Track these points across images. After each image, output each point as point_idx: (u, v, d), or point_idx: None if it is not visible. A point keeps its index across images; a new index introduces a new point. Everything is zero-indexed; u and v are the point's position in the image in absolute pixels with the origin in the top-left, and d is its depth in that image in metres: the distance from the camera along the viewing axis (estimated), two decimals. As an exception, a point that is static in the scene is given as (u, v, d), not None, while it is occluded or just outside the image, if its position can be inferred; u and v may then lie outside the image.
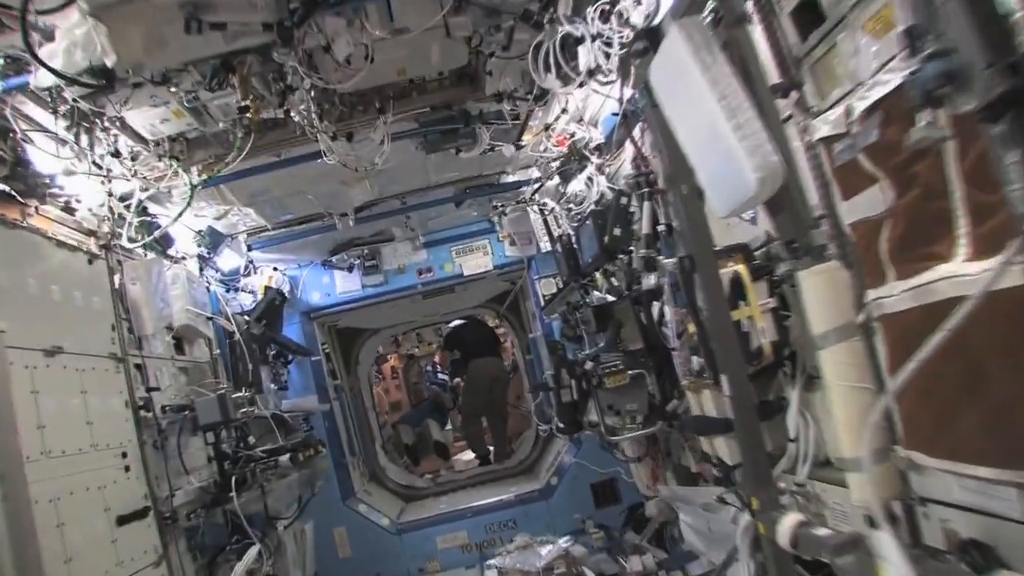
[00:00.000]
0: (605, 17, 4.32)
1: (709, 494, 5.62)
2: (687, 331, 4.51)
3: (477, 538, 9.05)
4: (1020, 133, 1.89)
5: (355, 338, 11.30)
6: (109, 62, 4.16)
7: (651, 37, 3.69)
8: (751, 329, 3.93)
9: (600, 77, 4.82)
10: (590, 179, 6.75)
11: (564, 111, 6.23)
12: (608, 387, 5.56)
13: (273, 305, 8.12)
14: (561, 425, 6.51)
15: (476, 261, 9.30)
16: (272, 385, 8.53)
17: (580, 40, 4.56)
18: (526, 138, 6.54)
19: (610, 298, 6.50)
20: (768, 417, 4.17)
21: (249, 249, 7.98)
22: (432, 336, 16.25)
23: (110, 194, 5.47)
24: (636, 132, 5.37)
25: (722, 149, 3.01)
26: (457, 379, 14.84)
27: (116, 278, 5.64)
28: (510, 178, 7.99)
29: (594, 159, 6.58)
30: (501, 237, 9.29)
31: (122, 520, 4.85)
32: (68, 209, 5.23)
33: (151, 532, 5.24)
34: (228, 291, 8.00)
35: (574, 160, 6.69)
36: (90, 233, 5.45)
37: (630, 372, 5.53)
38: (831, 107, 3.05)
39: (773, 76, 3.27)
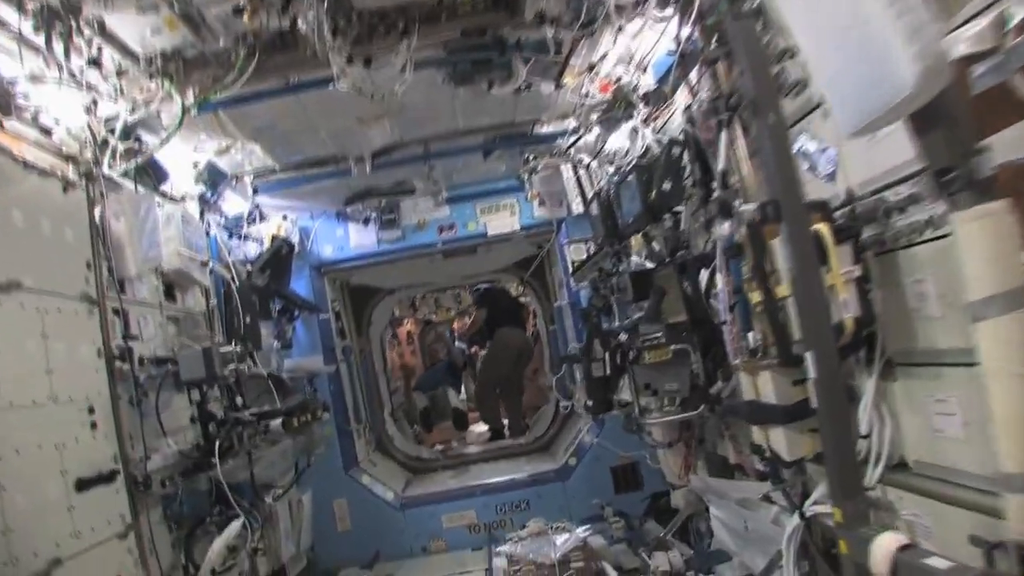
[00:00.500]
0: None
1: (751, 489, 5.04)
2: (751, 303, 3.84)
3: (486, 518, 8.49)
4: None
5: (368, 297, 10.66)
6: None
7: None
8: (831, 301, 3.26)
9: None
10: (634, 131, 6.04)
11: (613, 46, 5.48)
12: (647, 363, 4.87)
13: (280, 255, 7.48)
14: (589, 403, 5.79)
15: (502, 221, 8.66)
16: (275, 342, 7.94)
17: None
18: (567, 79, 5.80)
19: (649, 265, 5.84)
20: None
21: (255, 192, 7.28)
22: (451, 302, 15.64)
23: (87, 109, 4.79)
24: (693, 75, 4.67)
25: (865, 36, 2.29)
26: (475, 348, 14.30)
27: (96, 211, 4.95)
28: (545, 129, 7.25)
29: (641, 107, 5.86)
30: (530, 196, 8.64)
31: (83, 484, 4.20)
32: (45, 130, 4.57)
33: (119, 499, 4.58)
34: (231, 238, 7.35)
35: (619, 107, 5.97)
36: (69, 159, 4.77)
37: (673, 348, 4.82)
38: (972, 19, 2.35)
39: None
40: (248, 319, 6.19)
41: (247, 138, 6.12)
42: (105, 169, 4.97)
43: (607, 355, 5.27)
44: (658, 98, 5.69)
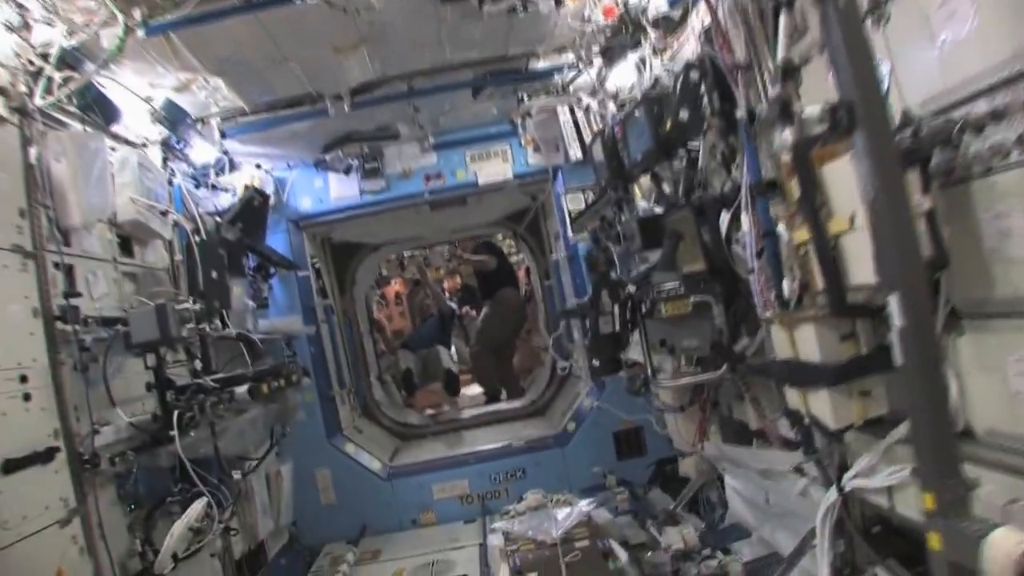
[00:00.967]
0: None
1: (775, 459, 4.55)
2: (792, 244, 3.27)
3: (479, 488, 8.01)
4: None
5: (352, 254, 10.03)
6: None
7: None
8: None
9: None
10: (642, 62, 5.40)
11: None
12: (663, 317, 4.27)
13: (251, 206, 6.83)
14: (596, 363, 5.16)
15: (493, 168, 8.05)
16: (250, 302, 7.31)
17: None
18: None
19: (659, 210, 5.25)
20: (880, 369, 3.09)
21: (223, 137, 6.61)
22: (440, 260, 15.05)
23: (16, 31, 4.13)
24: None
25: None
26: (466, 308, 13.70)
27: (32, 151, 4.29)
28: (541, 64, 6.59)
29: (651, 33, 5.22)
30: (524, 142, 8.04)
31: (11, 466, 3.59)
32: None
33: (59, 480, 3.97)
34: (198, 187, 6.71)
35: (625, 33, 5.32)
36: (-1, 91, 4.13)
37: (693, 299, 4.23)
38: None
39: None
40: (215, 275, 5.56)
41: (209, 71, 5.43)
42: (38, 101, 4.30)
43: (616, 308, 4.63)
44: (669, 24, 5.06)
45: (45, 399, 3.99)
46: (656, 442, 7.57)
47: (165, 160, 6.14)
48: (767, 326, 3.95)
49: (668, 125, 4.36)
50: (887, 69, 2.92)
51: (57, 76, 4.37)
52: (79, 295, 4.41)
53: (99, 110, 4.96)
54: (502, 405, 10.65)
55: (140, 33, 4.43)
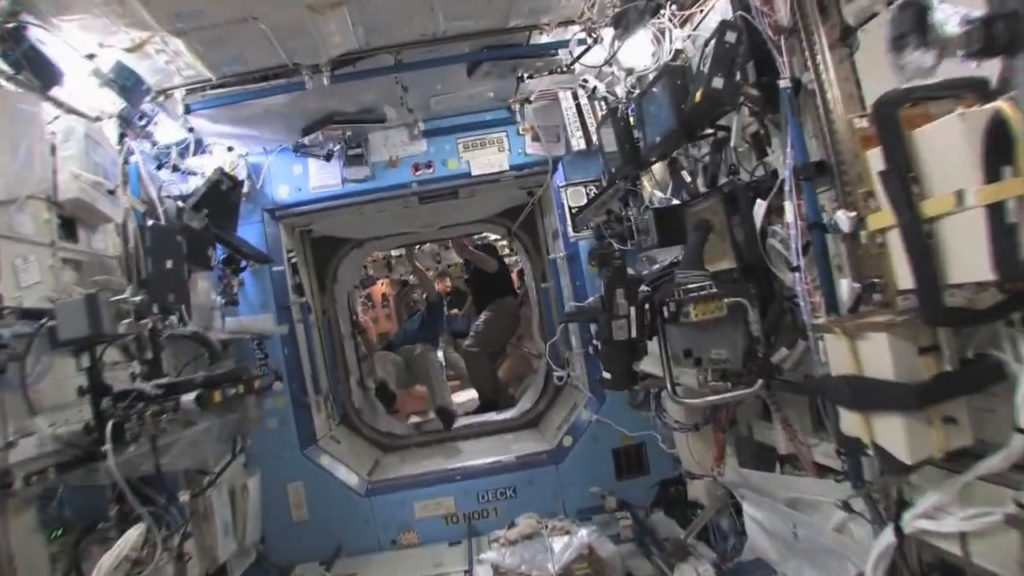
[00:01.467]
0: None
1: (810, 489, 4.02)
2: (866, 231, 2.64)
3: (466, 507, 7.30)
4: None
5: (333, 250, 9.29)
6: None
7: None
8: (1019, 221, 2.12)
9: None
10: (660, 33, 4.76)
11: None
12: (691, 321, 3.59)
13: (218, 191, 6.12)
14: (608, 375, 4.44)
15: (488, 158, 7.37)
16: (217, 298, 6.70)
17: None
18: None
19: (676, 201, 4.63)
20: (971, 390, 2.63)
21: (187, 111, 5.93)
22: (429, 262, 14.38)
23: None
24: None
25: None
26: (455, 309, 13.01)
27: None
28: (544, 38, 5.95)
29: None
30: (522, 130, 7.36)
31: None
32: None
33: (-44, 505, 3.31)
34: (160, 168, 6.03)
35: (641, -1, 4.69)
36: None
37: (729, 300, 3.57)
38: None
39: None
40: (169, 265, 4.87)
41: (167, 30, 4.75)
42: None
43: (633, 311, 3.93)
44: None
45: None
46: (659, 460, 7.01)
47: (123, 136, 5.46)
48: (815, 335, 3.33)
49: (698, 96, 3.69)
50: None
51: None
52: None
53: (33, 69, 4.27)
54: (492, 416, 9.92)
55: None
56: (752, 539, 4.79)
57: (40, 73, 4.36)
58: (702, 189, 4.56)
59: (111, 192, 4.85)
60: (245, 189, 7.01)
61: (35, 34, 4.30)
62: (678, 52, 4.63)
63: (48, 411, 3.88)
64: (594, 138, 6.67)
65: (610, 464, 7.29)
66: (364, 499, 7.30)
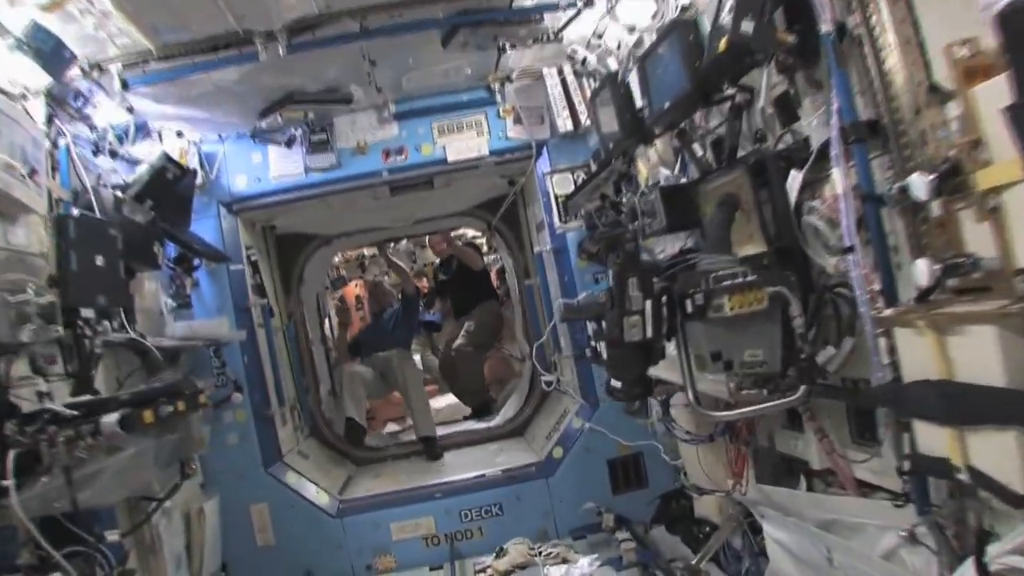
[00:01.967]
0: None
1: (855, 510, 3.41)
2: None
3: (448, 527, 6.69)
4: None
5: (299, 248, 8.64)
6: None
7: None
8: None
9: None
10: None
11: None
12: (721, 316, 2.93)
13: (164, 180, 5.43)
14: (617, 384, 3.73)
15: (466, 143, 6.77)
16: (168, 300, 6.10)
17: None
18: None
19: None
20: None
21: (125, 88, 5.22)
22: (405, 261, 13.67)
23: None
24: None
25: None
26: (434, 308, 12.29)
27: None
28: (527, 2, 5.31)
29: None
30: (502, 112, 6.78)
31: None
32: None
33: None
34: (97, 154, 5.33)
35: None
36: None
37: (771, 290, 2.93)
38: None
39: None
40: (99, 262, 4.20)
41: (90, -15, 4.08)
42: None
43: (649, 306, 3.23)
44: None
45: None
46: (659, 471, 6.47)
47: (51, 117, 4.76)
48: (875, 330, 2.72)
49: (722, 44, 3.07)
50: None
51: None
52: None
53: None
54: (474, 424, 9.26)
55: None
56: (776, 563, 4.20)
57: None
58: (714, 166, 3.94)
59: (29, 177, 4.15)
60: (199, 180, 6.38)
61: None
62: (684, 8, 4.01)
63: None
64: (582, 118, 6.12)
65: (605, 477, 6.73)
66: (335, 520, 6.70)
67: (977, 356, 2.12)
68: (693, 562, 5.00)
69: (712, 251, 3.24)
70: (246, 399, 6.50)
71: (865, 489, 3.39)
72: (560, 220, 6.65)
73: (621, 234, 4.16)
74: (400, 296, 10.72)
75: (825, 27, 2.87)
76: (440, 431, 8.91)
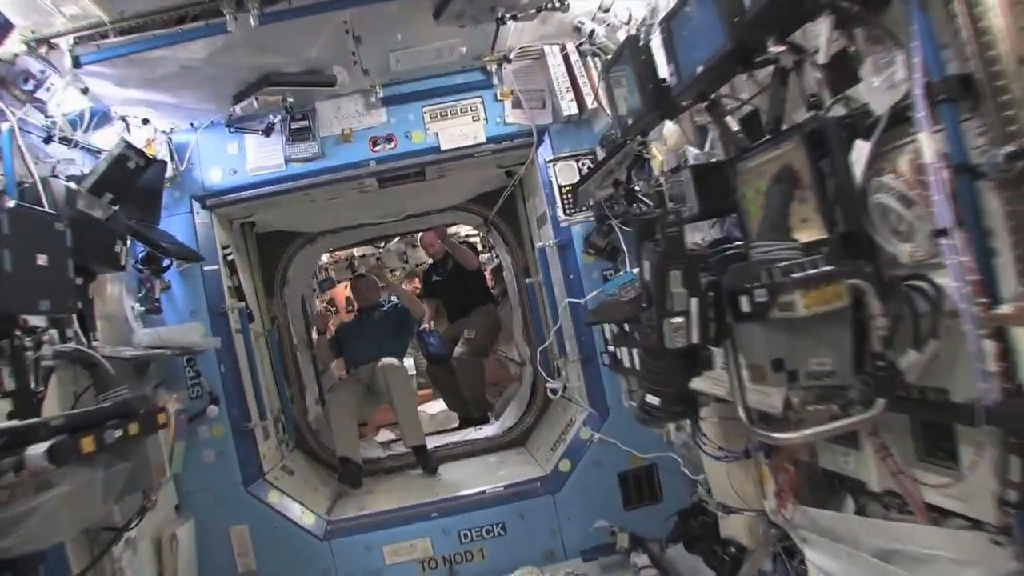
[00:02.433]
0: None
1: (928, 540, 2.85)
2: None
3: (446, 549, 6.17)
4: None
5: (282, 247, 8.09)
6: None
7: None
8: None
9: None
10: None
11: None
12: (790, 316, 2.36)
13: (126, 171, 4.83)
14: (655, 401, 3.13)
15: (461, 129, 6.25)
16: (134, 304, 5.60)
17: None
18: None
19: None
20: None
21: (77, 66, 4.63)
22: (396, 262, 13.29)
23: None
24: None
25: None
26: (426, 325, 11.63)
27: None
28: (532, -35, 4.81)
29: None
30: (500, 95, 6.26)
31: None
32: None
33: None
34: (48, 142, 4.77)
35: None
36: None
37: (851, 283, 2.38)
38: None
39: None
40: (42, 261, 3.64)
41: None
42: None
43: (696, 305, 2.62)
44: None
45: None
46: (673, 484, 5.99)
47: (-8, 100, 4.24)
48: (979, 330, 2.21)
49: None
50: None
51: None
52: None
53: None
54: (471, 433, 8.72)
55: None
56: (817, 593, 3.67)
57: None
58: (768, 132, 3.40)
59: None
60: (168, 173, 5.87)
61: None
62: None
63: None
64: (588, 100, 5.61)
65: (616, 491, 6.23)
66: (323, 543, 6.17)
67: None
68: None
69: (768, 236, 2.69)
70: (223, 412, 6.00)
71: (934, 514, 2.88)
72: (564, 212, 6.17)
73: (662, 215, 3.55)
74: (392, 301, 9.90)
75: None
76: (435, 441, 8.36)
